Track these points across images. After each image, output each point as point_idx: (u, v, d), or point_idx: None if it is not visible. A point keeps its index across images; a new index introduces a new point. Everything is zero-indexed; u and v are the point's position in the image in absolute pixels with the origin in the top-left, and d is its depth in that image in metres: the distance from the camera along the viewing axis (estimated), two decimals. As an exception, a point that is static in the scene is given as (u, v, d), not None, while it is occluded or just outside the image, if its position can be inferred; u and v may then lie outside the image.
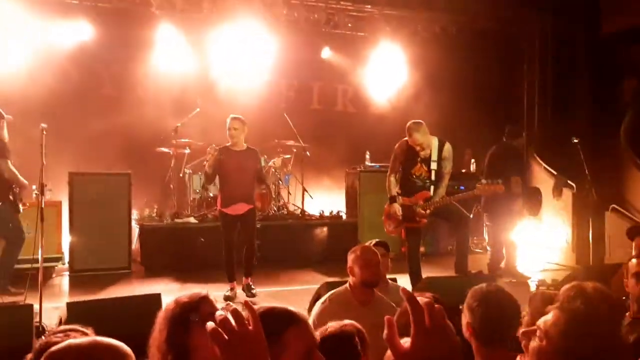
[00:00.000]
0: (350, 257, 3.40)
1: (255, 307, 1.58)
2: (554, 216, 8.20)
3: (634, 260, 2.80)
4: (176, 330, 1.76)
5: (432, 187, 5.62)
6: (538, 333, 1.41)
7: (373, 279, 3.34)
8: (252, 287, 6.01)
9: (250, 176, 6.06)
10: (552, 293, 2.45)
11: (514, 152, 7.23)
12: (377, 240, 3.97)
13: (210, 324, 1.02)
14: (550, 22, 9.02)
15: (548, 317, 1.41)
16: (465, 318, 2.35)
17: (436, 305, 1.03)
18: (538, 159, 8.71)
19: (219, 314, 1.04)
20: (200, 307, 1.80)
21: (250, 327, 1.04)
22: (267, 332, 1.07)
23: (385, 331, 1.03)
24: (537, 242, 8.18)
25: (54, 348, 1.31)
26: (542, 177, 8.53)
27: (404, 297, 1.05)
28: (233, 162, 5.93)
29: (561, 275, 6.51)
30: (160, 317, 1.81)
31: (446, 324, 1.04)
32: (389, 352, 1.23)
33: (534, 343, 1.41)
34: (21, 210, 5.95)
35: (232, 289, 5.92)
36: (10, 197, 5.83)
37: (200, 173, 7.32)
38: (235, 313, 1.03)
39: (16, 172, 5.87)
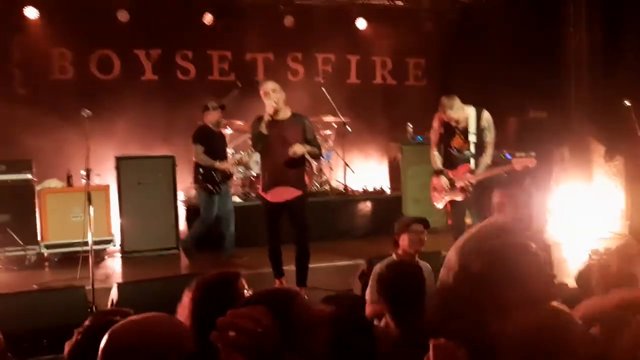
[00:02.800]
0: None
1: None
2: (606, 182, 7.92)
3: None
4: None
5: (472, 159, 5.45)
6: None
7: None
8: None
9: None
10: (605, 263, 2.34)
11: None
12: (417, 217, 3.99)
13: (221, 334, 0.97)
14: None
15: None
16: None
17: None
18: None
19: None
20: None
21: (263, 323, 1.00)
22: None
23: None
24: (588, 209, 7.92)
25: (116, 326, 1.33)
26: (591, 141, 8.23)
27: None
28: (274, 135, 4.84)
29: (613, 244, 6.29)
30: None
31: None
32: None
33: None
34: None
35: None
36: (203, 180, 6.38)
37: (242, 152, 7.32)
38: (242, 314, 1.00)
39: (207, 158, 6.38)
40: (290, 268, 5.11)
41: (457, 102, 5.40)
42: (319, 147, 5.18)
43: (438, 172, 5.55)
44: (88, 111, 5.06)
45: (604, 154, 7.87)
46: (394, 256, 3.69)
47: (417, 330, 1.91)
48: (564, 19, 9.24)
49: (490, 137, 5.48)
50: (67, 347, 1.66)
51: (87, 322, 1.65)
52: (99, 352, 1.29)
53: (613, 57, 8.59)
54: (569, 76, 9.38)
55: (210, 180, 6.41)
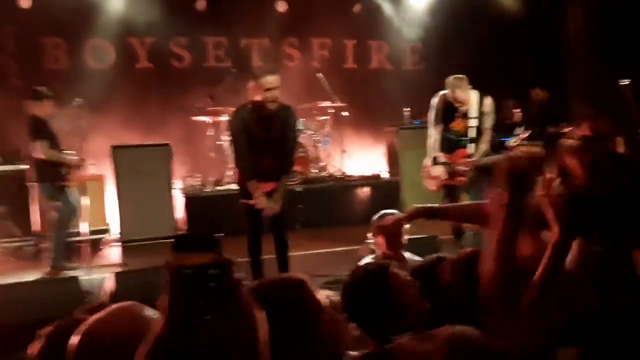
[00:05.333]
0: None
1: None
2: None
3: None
4: None
5: (471, 144, 5.38)
6: None
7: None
8: None
9: (279, 147, 4.51)
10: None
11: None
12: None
13: None
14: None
15: None
16: None
17: None
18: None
19: None
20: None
21: None
22: None
23: None
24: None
25: (80, 328, 1.30)
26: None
27: None
28: (258, 127, 4.43)
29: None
30: None
31: None
32: None
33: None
34: (66, 189, 5.65)
35: None
36: (52, 178, 5.58)
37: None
38: None
39: (57, 153, 5.57)
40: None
41: (465, 82, 5.33)
42: (292, 150, 4.66)
43: (433, 160, 5.48)
44: (79, 99, 5.00)
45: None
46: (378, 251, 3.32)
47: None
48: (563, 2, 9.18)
49: (489, 123, 5.39)
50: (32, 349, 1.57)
51: (51, 328, 1.58)
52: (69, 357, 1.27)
53: (613, 39, 8.53)
54: (569, 59, 9.32)
55: (59, 176, 5.63)
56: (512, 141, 5.49)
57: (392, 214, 3.19)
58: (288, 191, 4.67)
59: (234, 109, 4.68)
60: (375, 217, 3.31)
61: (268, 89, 4.27)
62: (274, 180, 4.47)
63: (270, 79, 4.29)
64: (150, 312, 1.36)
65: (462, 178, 5.40)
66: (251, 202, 4.43)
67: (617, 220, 1.97)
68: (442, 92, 5.47)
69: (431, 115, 5.57)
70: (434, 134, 5.51)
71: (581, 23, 9.01)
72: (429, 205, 2.69)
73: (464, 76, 5.38)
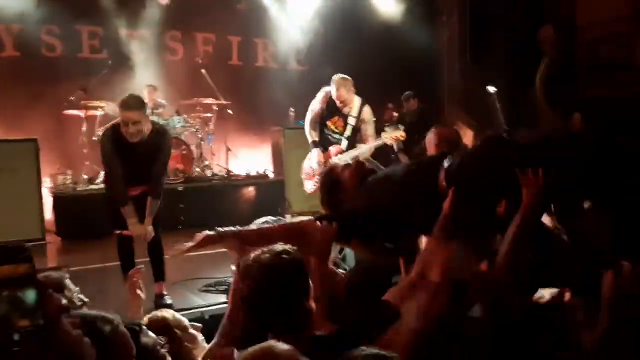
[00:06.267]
0: None
1: None
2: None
3: None
4: None
5: (345, 141, 5.45)
6: None
7: None
8: (166, 295, 4.33)
9: (150, 164, 4.20)
10: None
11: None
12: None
13: None
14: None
15: None
16: None
17: None
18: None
19: None
20: None
21: None
22: None
23: None
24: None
25: None
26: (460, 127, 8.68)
27: None
28: (128, 154, 4.15)
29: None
30: None
31: None
32: None
33: None
34: None
35: None
36: None
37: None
38: None
39: None
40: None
41: (350, 84, 5.41)
42: (160, 176, 4.30)
43: (314, 144, 5.51)
44: None
45: (472, 139, 8.33)
46: None
47: None
48: (436, 10, 9.68)
49: (370, 130, 5.50)
50: None
51: None
52: None
53: (482, 46, 9.13)
54: (442, 66, 9.84)
55: None
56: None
57: (276, 220, 2.92)
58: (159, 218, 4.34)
59: (105, 129, 4.32)
60: (260, 221, 3.14)
61: (126, 125, 3.99)
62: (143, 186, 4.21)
63: (129, 115, 3.98)
64: None
65: None
66: (125, 232, 4.15)
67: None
68: (326, 89, 5.53)
69: (309, 112, 5.59)
70: (310, 124, 5.54)
71: (454, 33, 9.56)
72: (227, 229, 2.63)
73: (350, 78, 5.48)
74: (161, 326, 2.14)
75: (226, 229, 2.52)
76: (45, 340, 0.80)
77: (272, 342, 1.49)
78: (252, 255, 1.91)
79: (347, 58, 8.66)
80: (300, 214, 7.33)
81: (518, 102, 7.87)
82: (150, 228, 4.22)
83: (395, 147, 7.28)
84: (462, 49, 9.55)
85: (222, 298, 4.31)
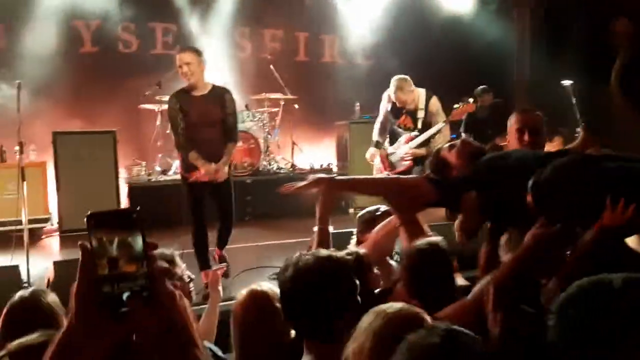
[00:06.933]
0: None
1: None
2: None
3: None
4: None
5: (417, 134, 5.40)
6: None
7: None
8: (226, 257, 4.78)
9: (218, 129, 4.58)
10: None
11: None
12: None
13: None
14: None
15: None
16: None
17: None
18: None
19: None
20: None
21: None
22: None
23: None
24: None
25: None
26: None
27: None
28: (194, 111, 4.51)
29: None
30: None
31: None
32: None
33: None
34: None
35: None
36: None
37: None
38: None
39: None
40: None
41: (407, 83, 5.34)
42: (234, 126, 4.70)
43: (376, 145, 5.53)
44: (18, 82, 4.80)
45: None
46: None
47: None
48: (509, 3, 9.43)
49: (441, 120, 5.37)
50: None
51: None
52: None
53: (556, 40, 8.83)
54: (514, 60, 9.59)
55: None
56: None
57: (384, 210, 2.93)
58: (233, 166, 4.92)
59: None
60: (367, 211, 3.10)
61: (180, 67, 4.45)
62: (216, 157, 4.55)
63: (182, 56, 4.47)
64: None
65: (408, 163, 5.41)
66: (194, 173, 4.51)
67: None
68: (387, 91, 5.52)
69: (380, 112, 5.63)
70: (378, 127, 5.59)
71: (526, 26, 9.31)
72: (341, 177, 2.79)
73: (406, 77, 5.40)
74: (262, 299, 2.11)
75: (339, 177, 2.71)
76: (148, 302, 0.81)
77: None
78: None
79: (414, 52, 8.62)
80: (363, 208, 7.37)
81: (593, 97, 7.59)
82: (225, 170, 4.55)
83: (463, 126, 7.23)
84: (535, 43, 9.29)
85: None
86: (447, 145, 2.91)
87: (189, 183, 4.57)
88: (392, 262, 2.92)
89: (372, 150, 5.59)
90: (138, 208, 0.85)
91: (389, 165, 5.54)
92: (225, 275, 4.42)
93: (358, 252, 2.28)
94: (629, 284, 0.96)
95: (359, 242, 2.95)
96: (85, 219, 0.84)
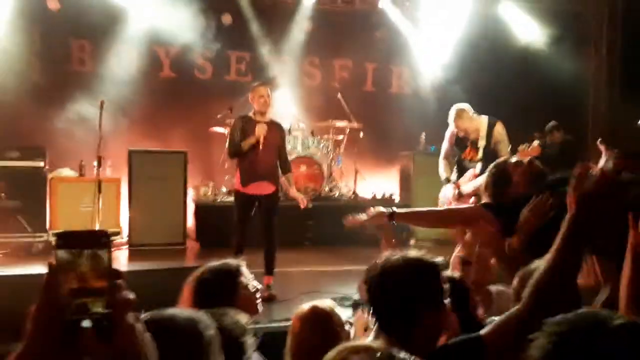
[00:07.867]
0: None
1: None
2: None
3: None
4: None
5: (479, 166, 5.20)
6: None
7: None
8: (272, 288, 5.10)
9: (274, 152, 5.27)
10: None
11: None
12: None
13: None
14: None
15: None
16: None
17: None
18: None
19: None
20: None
21: None
22: None
23: None
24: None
25: None
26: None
27: None
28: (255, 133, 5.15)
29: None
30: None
31: None
32: None
33: None
34: None
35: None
36: None
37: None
38: None
39: None
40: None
41: (466, 112, 5.25)
42: (287, 157, 5.55)
43: (445, 182, 5.46)
44: (102, 100, 5.12)
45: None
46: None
47: None
48: (584, 39, 9.21)
49: (505, 150, 5.19)
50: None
51: None
52: None
53: (632, 79, 8.53)
54: (588, 98, 9.32)
55: None
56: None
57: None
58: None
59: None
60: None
61: (261, 95, 5.16)
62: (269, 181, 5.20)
63: (263, 88, 5.23)
64: None
65: (474, 199, 5.30)
66: (249, 190, 5.11)
67: None
68: (449, 129, 5.46)
69: (443, 145, 5.56)
70: (443, 163, 5.48)
71: (602, 63, 9.05)
72: (401, 210, 2.83)
73: (464, 106, 5.30)
74: (323, 316, 2.13)
75: (399, 209, 2.85)
76: (106, 335, 0.77)
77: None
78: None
79: (483, 85, 8.53)
80: (424, 240, 7.28)
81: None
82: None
83: None
84: (610, 81, 9.01)
85: (348, 313, 4.42)
86: (513, 160, 2.87)
87: (240, 194, 5.21)
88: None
89: (448, 187, 5.38)
90: (109, 231, 0.87)
91: (456, 200, 5.45)
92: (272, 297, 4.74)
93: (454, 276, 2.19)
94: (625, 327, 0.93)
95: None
96: (54, 238, 0.83)
